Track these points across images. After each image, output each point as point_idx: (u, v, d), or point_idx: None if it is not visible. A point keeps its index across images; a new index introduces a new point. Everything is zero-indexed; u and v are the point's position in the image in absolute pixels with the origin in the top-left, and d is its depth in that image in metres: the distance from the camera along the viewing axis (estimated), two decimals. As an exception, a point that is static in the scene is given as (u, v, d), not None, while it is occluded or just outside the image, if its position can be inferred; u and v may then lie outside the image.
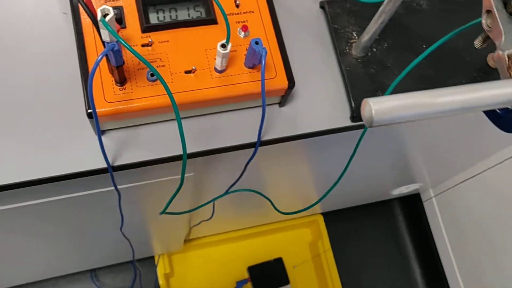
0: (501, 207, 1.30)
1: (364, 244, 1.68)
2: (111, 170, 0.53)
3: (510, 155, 1.22)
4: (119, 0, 0.53)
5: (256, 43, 0.49)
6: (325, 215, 1.62)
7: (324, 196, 0.62)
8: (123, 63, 0.46)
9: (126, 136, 0.55)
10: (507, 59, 0.35)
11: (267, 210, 1.24)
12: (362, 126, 0.59)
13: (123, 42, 0.40)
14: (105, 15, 0.39)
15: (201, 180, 0.77)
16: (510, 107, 0.32)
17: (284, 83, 0.53)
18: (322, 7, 0.62)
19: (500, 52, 0.36)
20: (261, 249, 1.56)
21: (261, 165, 0.75)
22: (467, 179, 1.42)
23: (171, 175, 0.68)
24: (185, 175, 0.73)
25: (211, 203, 0.89)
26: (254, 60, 0.50)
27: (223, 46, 0.48)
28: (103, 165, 0.53)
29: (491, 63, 0.62)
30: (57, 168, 0.53)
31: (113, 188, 0.59)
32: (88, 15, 0.43)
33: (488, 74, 0.61)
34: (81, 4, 0.42)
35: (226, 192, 0.73)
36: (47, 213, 0.71)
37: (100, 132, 0.48)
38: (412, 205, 1.70)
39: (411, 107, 0.30)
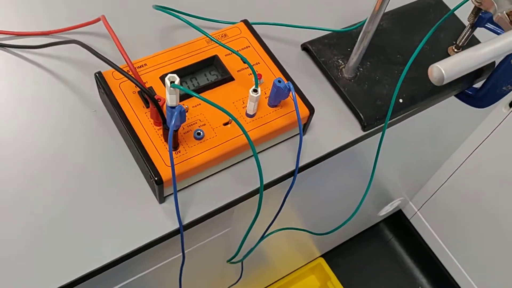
0: (479, 197, 1.42)
1: (369, 273, 1.73)
2: (182, 229, 0.58)
3: (469, 152, 1.36)
4: (147, 82, 0.60)
5: (279, 81, 0.57)
6: (325, 256, 1.68)
7: (361, 202, 0.69)
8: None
9: (185, 197, 0.60)
10: (506, 16, 0.46)
11: (284, 257, 1.28)
12: (375, 132, 0.68)
13: (196, 95, 0.47)
14: (172, 82, 0.46)
15: (238, 233, 0.81)
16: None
17: (306, 111, 0.62)
18: (305, 48, 0.73)
19: (499, 14, 0.47)
20: (274, 309, 1.57)
21: (294, 198, 0.81)
22: (441, 183, 1.54)
23: (221, 231, 0.73)
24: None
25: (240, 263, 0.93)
26: (280, 97, 0.59)
27: (255, 90, 0.56)
28: (171, 228, 0.58)
29: (451, 53, 0.74)
30: (131, 243, 0.56)
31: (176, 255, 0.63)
32: (144, 90, 0.50)
33: (454, 63, 0.73)
34: (139, 87, 0.49)
35: (262, 237, 0.78)
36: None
37: (176, 193, 0.54)
38: (398, 221, 1.79)
39: (465, 60, 0.39)
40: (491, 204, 1.37)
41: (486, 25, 0.67)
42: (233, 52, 0.57)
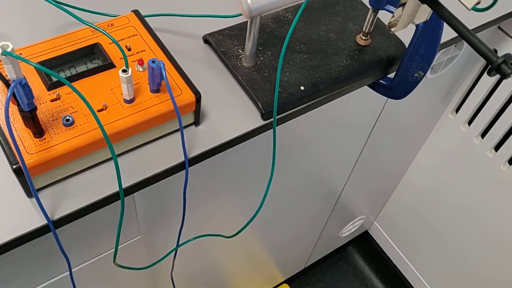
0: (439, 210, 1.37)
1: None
2: (51, 223, 0.53)
3: (424, 164, 1.32)
4: (19, 71, 0.57)
5: (153, 62, 0.54)
6: (290, 282, 1.61)
7: (264, 197, 0.65)
8: (35, 106, 0.49)
9: (58, 191, 0.55)
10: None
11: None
12: (282, 122, 0.65)
13: (27, 61, 0.44)
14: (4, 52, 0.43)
15: (150, 242, 0.76)
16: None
17: (191, 97, 0.58)
18: (205, 40, 0.70)
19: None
20: None
21: (198, 204, 0.77)
22: (401, 201, 1.49)
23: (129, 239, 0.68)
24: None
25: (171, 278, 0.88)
26: (156, 78, 0.55)
27: (124, 71, 0.53)
28: (40, 223, 0.53)
29: (360, 41, 0.72)
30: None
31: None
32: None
33: (361, 50, 0.71)
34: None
35: (178, 245, 0.73)
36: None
37: (30, 180, 0.49)
38: (366, 244, 1.73)
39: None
40: (458, 223, 1.32)
41: (386, 7, 0.64)
42: (105, 34, 0.54)
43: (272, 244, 1.20)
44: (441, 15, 0.47)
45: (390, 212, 1.58)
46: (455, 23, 0.46)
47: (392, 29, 0.55)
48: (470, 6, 0.44)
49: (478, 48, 0.44)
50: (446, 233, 1.39)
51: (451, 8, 0.53)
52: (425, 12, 0.51)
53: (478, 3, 0.44)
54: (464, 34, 0.45)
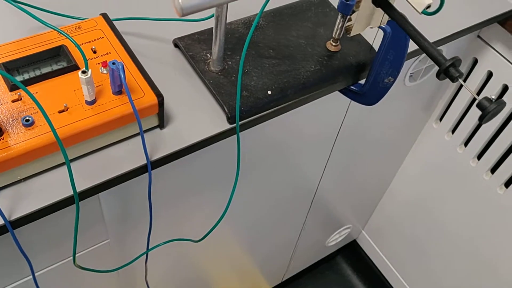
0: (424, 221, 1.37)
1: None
2: (8, 223, 0.53)
3: (409, 173, 1.32)
4: (-18, 72, 0.57)
5: (113, 63, 0.54)
6: (276, 291, 1.60)
7: (229, 202, 0.65)
8: (-8, 106, 0.49)
9: (18, 192, 0.55)
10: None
11: None
12: (249, 126, 0.65)
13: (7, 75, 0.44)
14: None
15: (121, 245, 0.76)
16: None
17: (154, 99, 0.59)
18: (175, 44, 0.70)
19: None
20: None
21: (167, 208, 0.77)
22: (387, 210, 1.49)
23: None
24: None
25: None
26: (117, 80, 0.55)
27: (84, 72, 0.53)
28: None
29: (330, 47, 0.72)
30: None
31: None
32: None
33: (331, 56, 0.71)
34: None
35: (148, 249, 0.73)
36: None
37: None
38: (354, 253, 1.72)
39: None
40: (449, 230, 1.32)
41: (354, 12, 0.64)
42: (67, 37, 0.54)
43: (251, 251, 1.20)
44: (394, 18, 0.47)
45: (377, 222, 1.58)
46: (407, 26, 0.46)
47: (351, 32, 0.55)
48: (420, 10, 0.44)
49: (428, 51, 0.44)
50: (433, 244, 1.38)
51: (409, 13, 0.53)
52: (380, 16, 0.52)
53: (429, 7, 0.44)
54: (415, 37, 0.45)
